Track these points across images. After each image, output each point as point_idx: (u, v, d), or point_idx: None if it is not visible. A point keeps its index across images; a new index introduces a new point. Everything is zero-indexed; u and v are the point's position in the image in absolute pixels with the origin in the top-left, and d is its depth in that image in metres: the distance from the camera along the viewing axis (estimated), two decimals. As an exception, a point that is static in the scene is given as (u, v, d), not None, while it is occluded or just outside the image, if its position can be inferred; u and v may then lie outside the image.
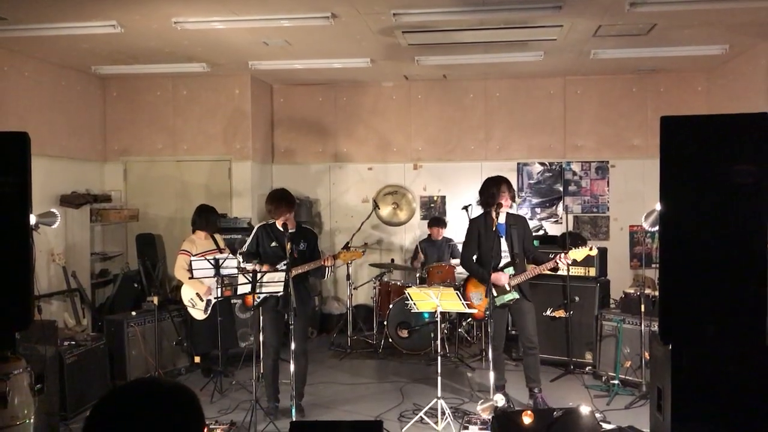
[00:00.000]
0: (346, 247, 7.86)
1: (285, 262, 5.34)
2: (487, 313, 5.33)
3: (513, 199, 5.63)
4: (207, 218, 6.72)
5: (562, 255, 5.40)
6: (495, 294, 5.49)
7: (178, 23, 6.07)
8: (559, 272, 5.91)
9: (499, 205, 5.47)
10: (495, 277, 5.48)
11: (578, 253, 5.41)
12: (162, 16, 5.94)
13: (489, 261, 5.48)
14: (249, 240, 5.74)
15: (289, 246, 5.21)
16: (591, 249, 5.50)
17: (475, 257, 5.72)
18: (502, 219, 5.58)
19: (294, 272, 5.34)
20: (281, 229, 5.54)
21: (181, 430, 1.51)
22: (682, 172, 3.42)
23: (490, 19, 5.99)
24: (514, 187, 6.39)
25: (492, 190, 5.55)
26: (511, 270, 5.56)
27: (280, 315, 5.60)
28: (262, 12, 5.85)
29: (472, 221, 5.84)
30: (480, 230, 5.65)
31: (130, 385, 1.58)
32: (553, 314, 6.84)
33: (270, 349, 5.60)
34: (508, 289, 5.52)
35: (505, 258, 5.61)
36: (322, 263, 5.51)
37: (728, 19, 6.10)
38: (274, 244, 5.57)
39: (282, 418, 5.39)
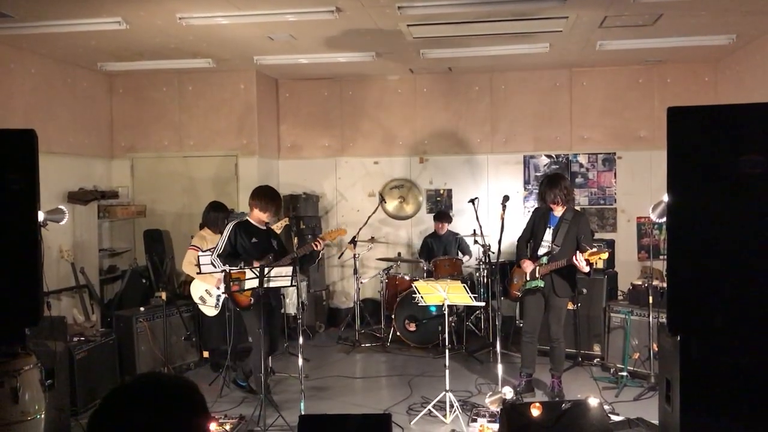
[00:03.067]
0: (353, 241, 7.93)
1: (269, 256, 5.50)
2: (518, 293, 5.93)
3: (563, 204, 5.73)
4: (215, 217, 6.75)
5: (578, 253, 5.39)
6: (528, 278, 5.77)
7: (182, 19, 6.07)
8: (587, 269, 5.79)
9: (550, 208, 5.78)
10: (523, 263, 5.84)
11: (591, 255, 5.37)
12: (167, 11, 5.94)
13: (536, 248, 5.84)
14: (223, 241, 5.56)
15: (295, 241, 5.24)
16: (605, 254, 5.54)
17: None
18: (559, 212, 5.77)
19: (301, 252, 5.51)
20: (259, 226, 5.66)
21: (183, 423, 1.52)
22: (690, 163, 3.40)
23: (495, 11, 5.97)
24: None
25: (543, 188, 5.82)
26: (545, 260, 5.69)
27: (262, 310, 5.52)
28: (266, 7, 5.84)
29: (535, 209, 6.17)
30: (536, 218, 5.95)
31: (131, 383, 1.59)
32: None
33: (259, 343, 5.47)
34: (537, 276, 5.71)
35: (546, 248, 5.76)
36: (313, 248, 5.55)
37: (735, 9, 6.06)
38: (254, 240, 5.60)
39: (290, 408, 5.40)
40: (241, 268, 5.33)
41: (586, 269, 5.46)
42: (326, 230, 6.02)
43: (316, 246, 5.54)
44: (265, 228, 5.74)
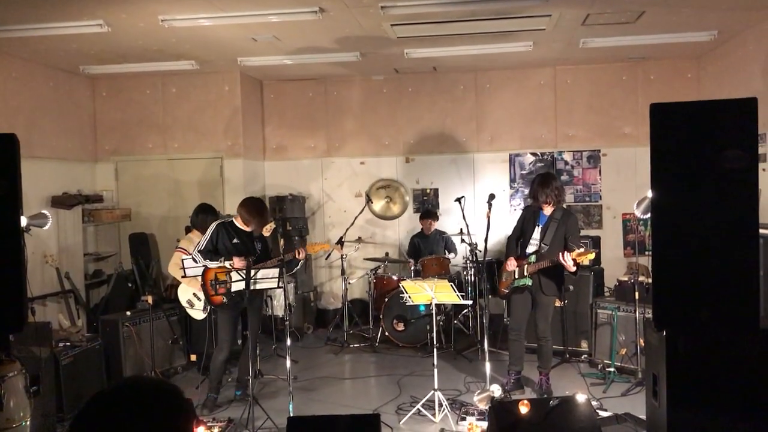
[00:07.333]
0: (340, 242, 7.93)
1: (250, 258, 5.53)
2: (505, 291, 5.93)
3: (554, 203, 5.75)
4: (204, 219, 6.71)
5: (565, 253, 5.40)
6: (516, 276, 5.78)
7: (165, 21, 6.03)
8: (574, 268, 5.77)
9: (540, 206, 5.81)
10: (508, 261, 5.88)
11: (578, 255, 5.37)
12: (149, 14, 5.90)
13: (524, 246, 5.87)
14: (205, 239, 5.69)
15: (282, 242, 5.25)
16: (591, 254, 5.55)
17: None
18: (548, 211, 5.81)
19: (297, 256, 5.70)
20: (244, 228, 5.71)
21: (166, 426, 1.51)
22: (673, 159, 3.43)
23: (478, 10, 5.98)
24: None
25: (535, 187, 5.84)
26: (533, 258, 5.71)
27: (237, 313, 5.74)
28: (249, 8, 5.82)
29: (525, 207, 6.32)
30: (526, 217, 5.99)
31: (113, 387, 1.58)
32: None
33: (224, 345, 5.73)
34: (525, 274, 5.74)
35: (534, 246, 5.79)
36: (296, 256, 5.68)
37: (716, 5, 6.11)
38: (236, 240, 5.67)
39: (278, 410, 5.39)
40: (221, 263, 5.54)
41: (573, 269, 5.48)
42: (310, 243, 6.07)
43: (298, 254, 5.67)
44: (250, 230, 5.76)
